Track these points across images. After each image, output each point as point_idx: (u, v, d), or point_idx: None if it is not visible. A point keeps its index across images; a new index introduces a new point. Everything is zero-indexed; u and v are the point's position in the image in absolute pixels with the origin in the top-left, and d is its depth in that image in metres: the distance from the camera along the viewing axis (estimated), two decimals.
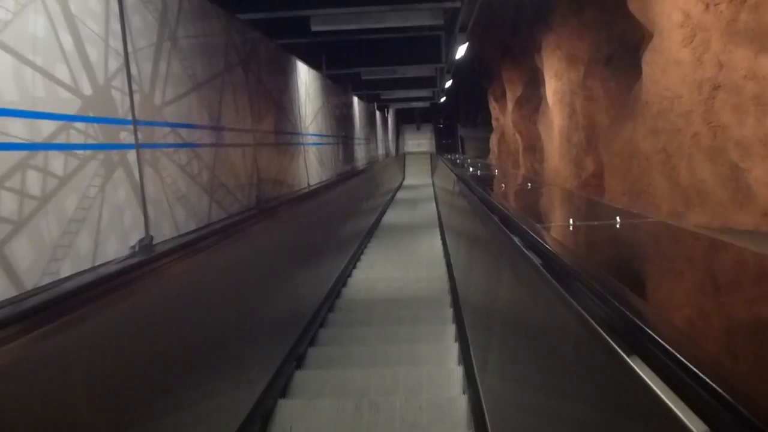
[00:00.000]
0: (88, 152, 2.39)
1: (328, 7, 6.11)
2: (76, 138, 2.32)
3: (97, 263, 2.40)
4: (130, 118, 2.73)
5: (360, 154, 12.93)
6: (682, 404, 0.98)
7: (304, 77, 7.19)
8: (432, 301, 5.72)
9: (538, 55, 9.77)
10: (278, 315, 4.27)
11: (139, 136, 2.80)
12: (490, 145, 18.46)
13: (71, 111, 2.30)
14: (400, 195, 18.05)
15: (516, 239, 2.63)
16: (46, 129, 2.16)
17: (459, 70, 13.05)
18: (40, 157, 2.12)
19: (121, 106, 2.67)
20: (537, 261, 2.17)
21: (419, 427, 3.22)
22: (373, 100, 16.62)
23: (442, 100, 19.18)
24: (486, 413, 3.02)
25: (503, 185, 5.97)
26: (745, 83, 4.31)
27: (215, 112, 3.90)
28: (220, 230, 3.53)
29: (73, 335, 1.95)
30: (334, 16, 6.53)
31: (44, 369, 1.78)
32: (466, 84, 19.52)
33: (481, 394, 3.21)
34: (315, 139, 7.57)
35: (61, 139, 2.23)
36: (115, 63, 2.65)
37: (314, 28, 6.61)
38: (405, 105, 22.91)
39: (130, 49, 2.77)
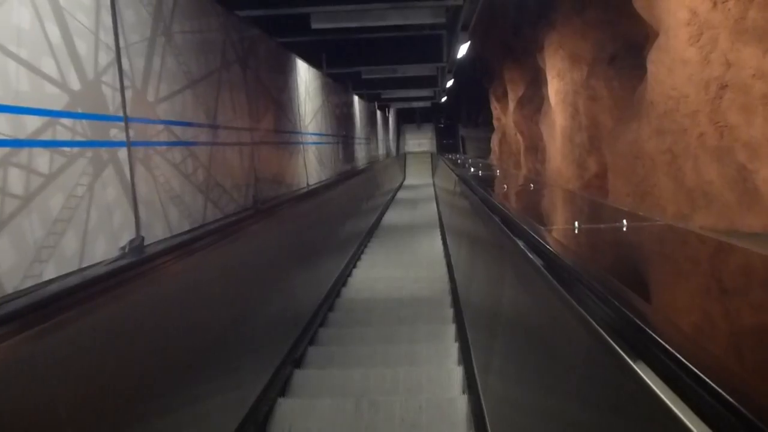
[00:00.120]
0: (76, 149, 2.30)
1: (329, 5, 6.03)
2: (62, 135, 2.23)
3: (84, 265, 2.31)
4: (121, 114, 2.64)
5: (360, 153, 12.85)
6: (688, 410, 0.96)
7: (304, 75, 7.10)
8: (432, 301, 5.69)
9: (541, 54, 9.68)
10: (276, 318, 4.19)
11: (131, 133, 2.71)
12: (491, 145, 18.38)
13: (58, 106, 2.21)
14: (400, 195, 18.00)
15: (518, 241, 2.57)
16: (30, 125, 2.07)
17: (460, 70, 12.97)
18: (23, 154, 2.02)
19: (111, 103, 2.58)
20: (541, 264, 2.11)
21: (419, 427, 3.19)
22: (374, 99, 16.55)
23: (443, 99, 19.10)
24: (486, 414, 2.98)
25: (505, 186, 5.89)
26: (754, 82, 4.22)
27: (211, 109, 3.81)
28: (215, 231, 3.44)
29: (56, 340, 1.86)
30: (335, 14, 6.45)
31: (21, 377, 1.69)
32: (468, 84, 19.44)
33: (481, 395, 3.17)
34: (314, 139, 7.48)
35: (46, 136, 2.14)
36: (105, 58, 2.56)
37: (314, 25, 6.53)
38: (406, 104, 22.84)
39: (122, 43, 2.68)
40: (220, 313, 3.16)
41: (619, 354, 1.23)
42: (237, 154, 4.27)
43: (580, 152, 8.03)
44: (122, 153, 2.64)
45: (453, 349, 4.29)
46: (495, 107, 16.87)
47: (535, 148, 11.59)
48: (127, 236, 2.64)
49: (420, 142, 28.55)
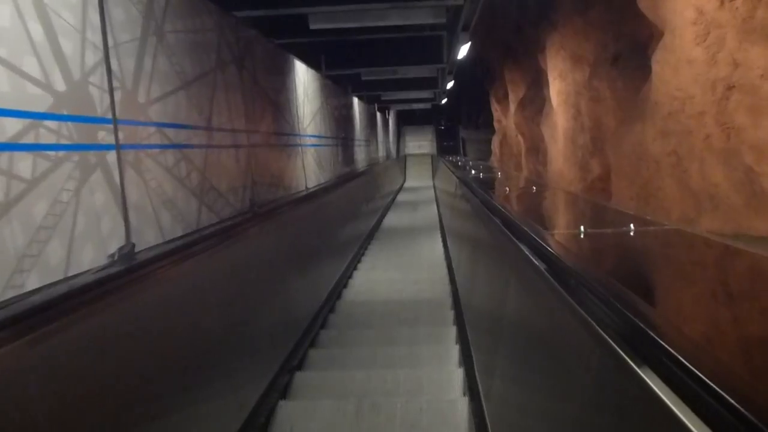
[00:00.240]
0: (61, 153, 2.21)
1: (327, 5, 5.94)
2: (46, 137, 2.13)
3: (70, 274, 2.21)
4: (109, 116, 2.55)
5: (360, 155, 12.76)
6: (694, 417, 0.95)
7: (303, 77, 7.01)
8: (433, 303, 5.68)
9: (542, 55, 9.59)
10: (275, 324, 4.13)
11: (120, 136, 2.61)
12: (492, 147, 18.30)
13: (41, 108, 2.11)
14: (400, 197, 17.96)
15: (522, 246, 2.51)
16: (10, 127, 1.97)
17: (461, 71, 12.89)
18: (3, 158, 1.93)
19: (99, 104, 2.49)
20: (545, 269, 2.05)
21: (420, 429, 3.19)
22: (374, 101, 16.47)
23: (444, 101, 19.03)
24: (487, 416, 2.96)
25: (507, 188, 5.82)
26: (762, 83, 4.11)
27: (206, 111, 3.72)
28: (209, 236, 3.34)
29: (39, 354, 1.77)
30: (333, 14, 6.36)
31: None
32: (468, 85, 19.38)
33: (482, 397, 3.16)
34: (313, 141, 7.38)
35: (28, 139, 2.04)
36: (93, 57, 2.46)
37: (313, 26, 6.43)
38: (406, 106, 22.79)
39: (110, 42, 2.59)
40: (216, 321, 3.06)
41: (624, 359, 1.21)
42: (233, 157, 4.18)
43: (583, 154, 7.93)
44: (111, 156, 2.55)
45: (454, 351, 4.29)
46: (496, 109, 16.77)
47: (537, 149, 11.49)
48: (116, 243, 2.54)
49: (420, 144, 28.49)
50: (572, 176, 8.41)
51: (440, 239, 9.41)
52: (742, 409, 0.84)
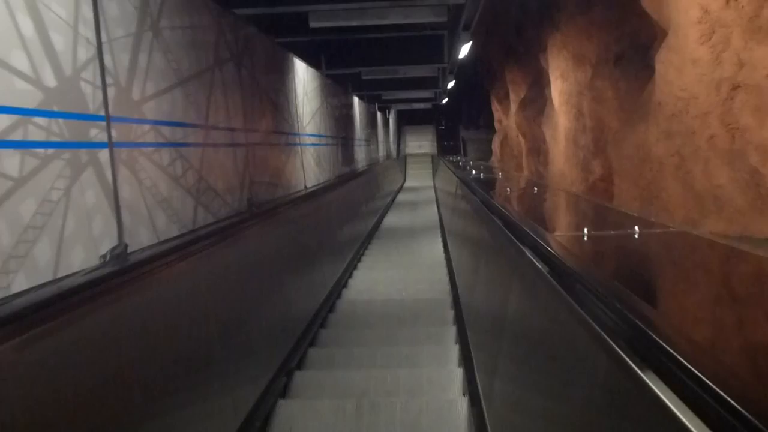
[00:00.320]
0: (51, 151, 2.14)
1: (327, 3, 5.87)
2: (35, 134, 2.06)
3: (59, 275, 2.15)
4: (102, 113, 2.48)
5: (360, 155, 12.70)
6: (700, 423, 0.93)
7: (302, 76, 6.95)
8: (433, 303, 5.69)
9: (544, 55, 9.52)
10: (273, 325, 4.06)
11: (114, 133, 2.55)
12: (493, 147, 18.24)
13: (30, 104, 2.05)
14: (401, 197, 17.94)
15: (523, 247, 2.47)
16: None
17: (461, 71, 12.83)
18: None
19: (92, 101, 2.42)
20: (547, 271, 2.01)
21: (419, 428, 3.20)
22: (374, 100, 16.41)
23: (444, 101, 18.96)
24: (486, 416, 2.96)
25: (508, 189, 5.76)
26: None
27: (203, 109, 3.65)
28: (206, 236, 3.27)
29: (25, 357, 1.70)
30: (334, 12, 6.30)
31: None
32: (469, 85, 19.33)
33: (482, 397, 3.15)
34: (313, 140, 7.32)
35: (16, 136, 1.98)
36: (85, 53, 2.40)
37: (313, 24, 6.37)
38: (406, 106, 22.73)
39: (104, 38, 2.52)
40: (212, 324, 3.00)
41: (627, 363, 1.19)
42: (230, 156, 4.11)
43: (585, 155, 7.86)
44: (104, 155, 2.48)
45: (453, 350, 4.29)
46: (496, 109, 16.71)
47: (538, 150, 11.43)
48: (108, 243, 2.48)
49: (420, 144, 28.44)
50: (573, 177, 8.34)
51: (440, 239, 9.40)
52: (748, 415, 0.82)
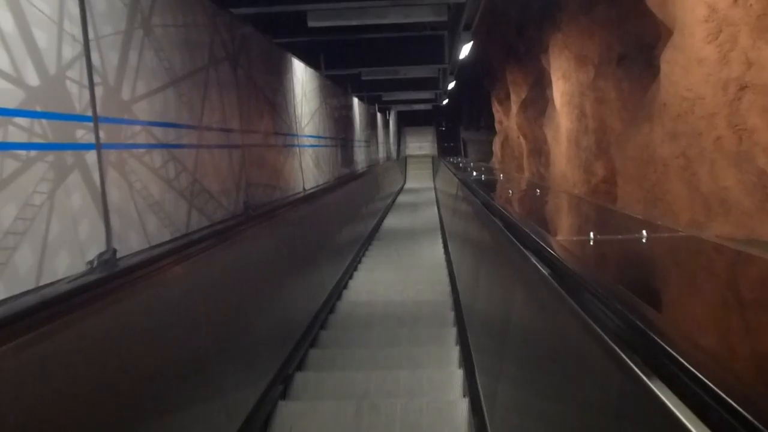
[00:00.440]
0: (33, 153, 2.04)
1: (326, 2, 5.79)
2: (16, 136, 1.97)
3: (42, 283, 2.05)
4: (89, 113, 2.38)
5: (360, 156, 12.61)
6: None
7: (301, 76, 6.85)
8: (433, 304, 5.69)
9: (545, 55, 9.43)
10: (271, 329, 4.01)
11: (102, 134, 2.45)
12: (493, 148, 18.16)
13: (10, 104, 1.95)
14: (401, 199, 17.92)
15: (524, 249, 2.44)
16: None
17: (462, 72, 12.74)
18: None
19: (78, 101, 2.32)
20: (549, 274, 1.97)
21: (420, 429, 3.20)
22: (374, 101, 16.33)
23: (445, 102, 18.87)
24: (486, 417, 2.95)
25: (510, 191, 5.69)
26: None
27: (197, 109, 3.55)
28: (199, 240, 3.18)
29: (4, 369, 1.61)
30: (332, 12, 6.21)
31: None
32: (469, 86, 19.24)
33: (482, 398, 3.15)
34: (311, 141, 7.22)
35: None
36: (71, 51, 2.30)
37: (311, 23, 6.28)
38: (407, 107, 22.65)
39: (91, 35, 2.42)
40: (205, 332, 2.90)
41: (632, 368, 1.16)
42: (226, 158, 4.01)
43: (587, 156, 7.76)
44: (91, 156, 2.38)
45: (454, 352, 4.29)
46: (497, 110, 16.61)
47: (539, 151, 11.33)
48: (96, 249, 2.38)
49: (421, 145, 28.36)
50: (576, 179, 8.25)
51: (441, 241, 9.39)
52: (757, 423, 0.80)
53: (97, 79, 2.45)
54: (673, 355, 1.05)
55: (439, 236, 9.85)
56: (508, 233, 2.89)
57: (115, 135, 2.59)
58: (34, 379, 1.72)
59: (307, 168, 6.75)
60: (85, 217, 2.32)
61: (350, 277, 7.00)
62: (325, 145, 8.28)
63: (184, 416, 2.55)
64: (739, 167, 4.40)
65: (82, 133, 2.34)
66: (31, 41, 2.06)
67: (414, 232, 10.85)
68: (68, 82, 2.26)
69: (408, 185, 22.66)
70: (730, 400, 0.87)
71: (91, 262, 2.32)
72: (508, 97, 14.30)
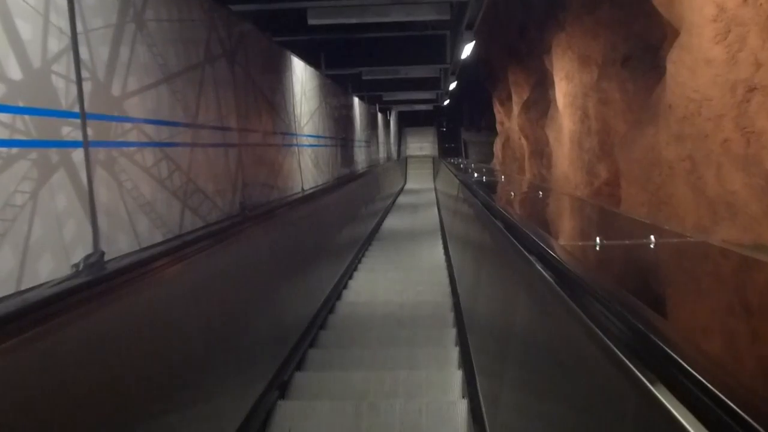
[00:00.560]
0: (14, 150, 1.95)
1: None
2: None
3: (23, 287, 1.95)
4: (77, 110, 2.29)
5: (360, 157, 12.52)
6: None
7: (300, 75, 6.75)
8: (432, 305, 5.68)
9: (548, 56, 9.33)
10: (269, 330, 3.97)
11: (90, 132, 2.36)
12: (494, 149, 18.08)
13: None
14: (401, 200, 17.89)
15: (525, 252, 2.38)
16: None
17: (463, 72, 12.66)
18: None
19: (65, 96, 2.23)
20: (553, 279, 1.90)
21: (419, 430, 3.21)
22: (375, 101, 16.25)
23: (446, 102, 18.80)
24: (485, 418, 2.94)
25: (512, 192, 5.62)
26: None
27: (192, 107, 3.46)
28: (193, 242, 3.08)
29: None
30: (333, 9, 6.12)
31: None
32: (470, 87, 19.19)
33: (481, 399, 3.15)
34: (311, 141, 7.13)
35: None
36: (58, 44, 2.20)
37: (311, 21, 6.18)
38: (408, 107, 22.58)
39: (79, 28, 2.33)
40: (197, 337, 2.80)
41: (636, 375, 1.14)
42: (222, 157, 3.92)
43: (590, 158, 7.67)
44: (78, 155, 2.29)
45: (453, 353, 4.29)
46: (498, 111, 16.52)
47: (540, 153, 11.23)
48: (82, 251, 2.28)
49: (422, 145, 28.29)
50: (578, 180, 8.15)
51: (441, 242, 9.36)
52: (763, 431, 0.78)
53: (85, 74, 2.35)
54: (678, 361, 1.03)
55: (439, 237, 9.81)
56: (509, 235, 2.85)
57: (104, 132, 2.49)
58: (13, 389, 1.63)
59: (306, 168, 6.66)
60: (71, 218, 2.23)
61: (350, 278, 7.00)
62: (325, 145, 8.19)
63: (174, 424, 2.46)
64: (747, 171, 4.30)
65: (69, 130, 2.24)
66: (13, 32, 1.96)
67: (414, 233, 10.83)
68: (54, 77, 2.16)
69: (408, 186, 22.63)
70: (734, 406, 0.85)
71: (76, 265, 2.22)
72: (509, 97, 14.21)
